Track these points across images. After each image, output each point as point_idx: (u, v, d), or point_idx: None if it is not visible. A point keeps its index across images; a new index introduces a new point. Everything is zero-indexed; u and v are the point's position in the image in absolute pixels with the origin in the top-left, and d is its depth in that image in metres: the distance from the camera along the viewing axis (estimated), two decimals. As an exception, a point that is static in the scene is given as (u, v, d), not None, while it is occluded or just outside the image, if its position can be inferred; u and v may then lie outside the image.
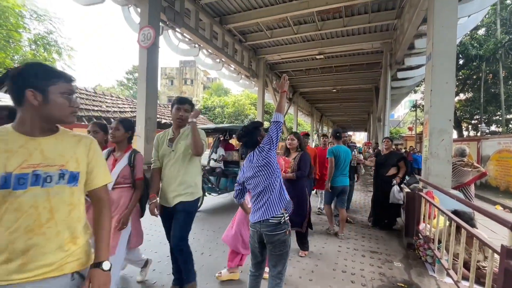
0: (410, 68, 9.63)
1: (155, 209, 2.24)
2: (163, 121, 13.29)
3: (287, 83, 2.05)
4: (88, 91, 12.38)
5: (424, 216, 3.20)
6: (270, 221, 1.80)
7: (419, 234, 3.24)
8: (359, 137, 61.07)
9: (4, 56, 11.41)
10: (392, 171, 4.35)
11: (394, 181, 4.18)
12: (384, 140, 4.65)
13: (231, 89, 44.36)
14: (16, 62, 13.28)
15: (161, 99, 37.75)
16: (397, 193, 4.07)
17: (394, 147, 5.10)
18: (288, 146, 3.47)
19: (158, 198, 2.30)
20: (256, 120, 2.78)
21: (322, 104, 21.50)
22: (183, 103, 2.29)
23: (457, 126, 17.59)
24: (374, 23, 7.93)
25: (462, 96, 18.56)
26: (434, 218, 2.95)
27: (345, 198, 4.05)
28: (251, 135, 1.96)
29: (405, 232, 3.63)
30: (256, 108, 15.28)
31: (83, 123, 9.52)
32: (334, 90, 15.17)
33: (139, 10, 6.15)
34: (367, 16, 7.76)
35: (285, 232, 1.82)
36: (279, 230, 1.80)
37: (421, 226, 3.26)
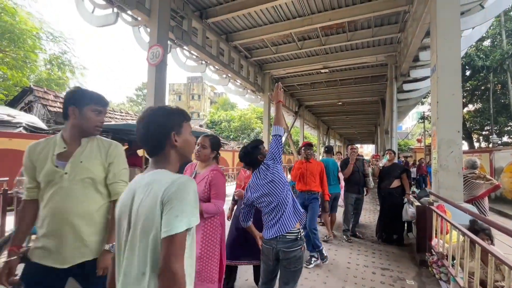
0: (416, 80, 9.62)
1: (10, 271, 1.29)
2: (171, 135, 13.46)
3: (281, 92, 2.08)
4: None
5: (436, 231, 3.09)
6: (287, 237, 1.76)
7: (432, 250, 3.11)
8: (367, 150, 60.37)
9: (21, 75, 11.97)
10: (396, 183, 4.28)
11: (405, 199, 4.09)
12: (387, 151, 4.60)
13: (238, 104, 44.99)
14: (32, 81, 13.89)
15: (169, 114, 38.42)
16: (410, 210, 3.96)
17: (403, 159, 5.04)
18: None
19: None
20: (257, 138, 2.70)
21: (328, 117, 21.49)
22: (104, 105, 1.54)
23: (468, 138, 17.23)
24: (378, 37, 8.04)
25: (471, 107, 18.31)
26: (447, 233, 2.84)
27: (336, 204, 4.79)
28: (251, 155, 1.96)
29: (417, 248, 3.50)
30: (262, 122, 15.39)
31: (93, 138, 9.72)
32: (339, 103, 15.20)
33: (148, 30, 6.42)
34: (370, 30, 7.89)
35: (301, 248, 1.79)
36: (296, 247, 1.76)
37: (434, 241, 3.13)
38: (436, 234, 3.10)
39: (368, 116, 19.45)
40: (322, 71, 11.01)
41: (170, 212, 0.83)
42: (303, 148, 4.08)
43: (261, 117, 25.63)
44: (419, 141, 20.96)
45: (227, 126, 27.66)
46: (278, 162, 1.86)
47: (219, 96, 48.39)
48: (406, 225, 4.44)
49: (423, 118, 18.57)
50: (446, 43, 3.65)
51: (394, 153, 4.60)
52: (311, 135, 27.95)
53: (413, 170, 10.57)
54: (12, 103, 11.17)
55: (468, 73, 15.79)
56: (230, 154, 17.64)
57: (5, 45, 11.14)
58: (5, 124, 7.57)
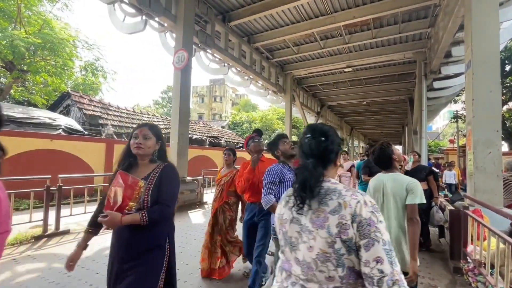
0: (448, 77, 9.07)
1: None
2: (194, 136, 13.88)
3: None
4: (128, 111, 13.46)
5: (472, 237, 2.90)
6: None
7: (467, 258, 2.93)
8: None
9: (59, 81, 12.99)
10: (423, 186, 4.05)
11: (433, 203, 3.86)
12: (411, 153, 4.38)
13: (259, 105, 45.13)
14: (69, 86, 15.00)
15: (192, 116, 39.59)
16: (437, 215, 3.73)
17: (434, 161, 4.77)
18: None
19: None
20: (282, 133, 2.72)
21: (352, 117, 20.89)
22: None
23: (508, 138, 15.89)
24: (405, 33, 7.71)
25: (511, 104, 16.86)
26: (485, 239, 2.66)
27: None
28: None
29: (450, 255, 3.30)
30: (284, 122, 15.32)
31: (123, 139, 10.29)
32: (364, 103, 14.73)
33: (174, 35, 6.70)
34: (397, 26, 7.58)
35: None
36: None
37: (469, 248, 2.94)
38: (472, 240, 2.91)
39: (395, 116, 18.64)
40: (346, 70, 10.75)
41: (412, 193, 1.73)
42: (250, 140, 2.72)
43: (283, 117, 25.50)
44: (451, 141, 19.67)
45: (248, 127, 27.88)
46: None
47: (240, 98, 48.93)
48: (438, 230, 4.19)
49: (456, 117, 17.42)
50: (482, 36, 3.43)
51: (419, 154, 4.37)
52: (334, 135, 27.32)
53: (450, 174, 9.75)
54: (52, 107, 12.16)
55: (508, 68, 14.57)
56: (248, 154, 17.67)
57: (46, 54, 12.16)
58: (46, 126, 8.25)
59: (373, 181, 1.96)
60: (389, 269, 0.74)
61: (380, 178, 1.91)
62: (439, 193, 4.15)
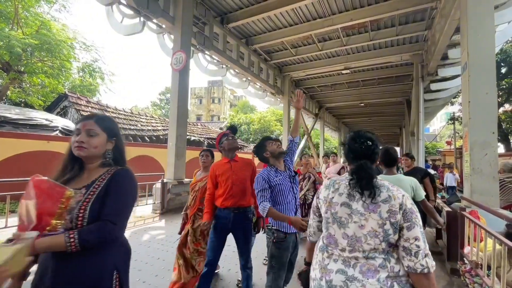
0: (445, 79, 9.13)
1: None
2: (192, 138, 13.86)
3: (302, 99, 2.24)
4: (126, 112, 13.41)
5: (469, 238, 2.91)
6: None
7: (464, 259, 2.93)
8: (391, 153, 57.87)
9: (57, 83, 12.93)
10: None
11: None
12: (402, 157, 4.06)
13: (257, 106, 45.20)
14: (66, 88, 14.94)
15: (190, 118, 39.54)
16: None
17: (431, 162, 4.71)
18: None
19: None
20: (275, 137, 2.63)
21: (350, 119, 20.97)
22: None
23: (504, 139, 16.01)
24: (403, 36, 7.76)
25: (507, 106, 17.01)
26: (481, 240, 2.67)
27: None
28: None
29: (447, 256, 3.31)
30: (282, 124, 15.36)
31: (120, 141, 10.25)
32: (362, 104, 14.80)
33: (172, 37, 6.69)
34: (394, 29, 7.64)
35: None
36: None
37: (466, 249, 2.95)
38: (468, 241, 2.92)
39: (392, 117, 18.73)
40: (343, 72, 10.80)
41: (417, 190, 2.22)
42: (224, 137, 2.46)
43: (281, 119, 25.53)
44: (448, 143, 19.77)
45: (246, 128, 27.88)
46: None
47: (238, 100, 48.97)
48: (435, 231, 4.20)
49: (453, 119, 17.53)
50: (478, 39, 3.46)
51: (411, 157, 4.02)
52: (332, 137, 27.40)
53: (451, 176, 9.38)
54: (49, 109, 12.08)
55: (503, 70, 14.70)
56: (249, 156, 17.74)
57: (44, 55, 12.11)
58: (43, 127, 8.20)
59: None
60: (423, 246, 1.02)
61: (388, 179, 1.95)
62: (437, 195, 4.13)
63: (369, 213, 1.08)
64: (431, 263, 1.01)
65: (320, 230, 1.28)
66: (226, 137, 2.44)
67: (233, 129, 2.56)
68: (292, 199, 2.04)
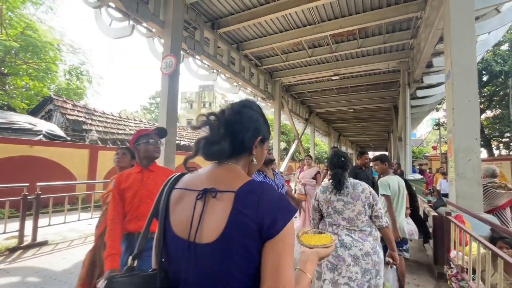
0: (430, 86, 9.43)
1: None
2: (182, 143, 13.70)
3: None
4: (114, 116, 13.14)
5: (455, 242, 2.96)
6: None
7: (451, 263, 2.98)
8: (380, 157, 58.93)
9: (42, 86, 12.56)
10: None
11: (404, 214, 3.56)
12: (373, 163, 3.44)
13: (248, 111, 45.25)
14: (52, 91, 14.54)
15: (181, 122, 39.15)
16: (408, 227, 3.17)
17: (418, 167, 4.75)
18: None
19: None
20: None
21: (339, 124, 21.27)
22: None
23: (487, 145, 16.60)
24: (390, 43, 7.97)
25: (489, 113, 17.71)
26: (467, 244, 2.73)
27: None
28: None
29: (434, 260, 3.36)
30: (273, 129, 15.43)
31: (108, 145, 10.02)
32: (351, 110, 15.05)
33: (162, 41, 6.63)
34: (381, 37, 7.84)
35: None
36: None
37: (452, 253, 3.00)
38: (454, 246, 2.98)
39: (381, 123, 19.13)
40: (333, 78, 10.98)
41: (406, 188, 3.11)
42: (143, 137, 1.81)
43: (271, 124, 25.58)
44: (434, 148, 20.34)
45: (237, 133, 27.82)
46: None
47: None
48: (423, 235, 4.24)
49: (438, 124, 18.09)
50: (461, 48, 3.58)
51: (383, 161, 3.20)
52: (322, 142, 27.69)
53: (445, 182, 8.43)
54: (33, 112, 11.71)
55: (485, 78, 15.34)
56: None
57: (29, 57, 11.76)
58: (26, 132, 7.92)
59: (387, 181, 2.83)
60: (382, 212, 1.89)
61: (392, 179, 2.89)
62: (422, 199, 4.19)
63: (355, 201, 1.87)
64: (386, 220, 1.91)
65: (320, 221, 2.05)
66: (147, 139, 1.78)
67: (161, 132, 1.92)
68: None
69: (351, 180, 1.93)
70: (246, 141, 0.77)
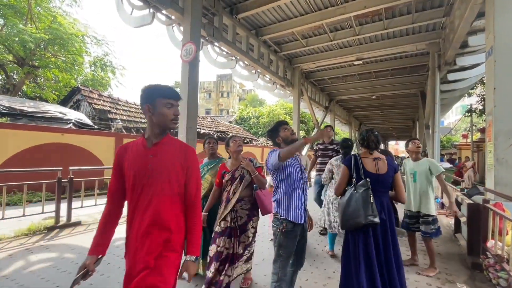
0: (463, 68, 8.75)
1: None
2: (202, 131, 13.91)
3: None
4: (137, 105, 13.55)
5: (492, 231, 2.77)
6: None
7: (488, 253, 2.81)
8: (403, 147, 56.81)
9: (70, 77, 13.16)
10: None
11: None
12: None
13: (266, 100, 44.94)
14: (79, 82, 15.20)
15: (200, 112, 39.70)
16: None
17: (446, 156, 4.51)
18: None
19: None
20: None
21: (361, 112, 20.54)
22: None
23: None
24: (419, 23, 7.43)
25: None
26: (507, 234, 2.54)
27: None
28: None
29: (468, 250, 3.18)
30: (291, 117, 15.20)
31: (132, 133, 10.39)
32: (373, 97, 14.42)
33: (181, 28, 6.63)
34: (410, 16, 7.32)
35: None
36: None
37: (490, 243, 2.82)
38: (492, 235, 2.79)
39: (405, 110, 18.21)
40: (355, 63, 10.52)
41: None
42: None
43: (290, 112, 25.29)
44: (464, 136, 19.12)
45: (255, 122, 27.79)
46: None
47: (247, 93, 48.80)
48: (454, 225, 4.04)
49: (470, 111, 16.89)
50: (505, 21, 3.24)
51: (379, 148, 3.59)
52: (342, 131, 26.99)
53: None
54: (63, 102, 12.35)
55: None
56: (259, 150, 17.76)
57: (56, 50, 12.31)
58: (57, 120, 8.38)
59: (405, 165, 3.26)
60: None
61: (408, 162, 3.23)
62: (456, 187, 3.97)
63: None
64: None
65: (330, 180, 3.41)
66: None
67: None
68: (300, 186, 2.03)
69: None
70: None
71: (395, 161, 2.23)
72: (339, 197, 2.15)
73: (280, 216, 1.94)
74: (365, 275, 1.85)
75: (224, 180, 2.39)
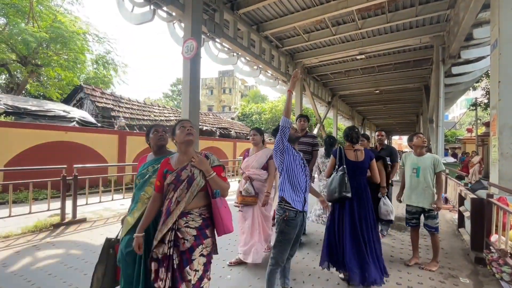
0: (468, 61, 8.63)
1: None
2: (204, 128, 13.92)
3: (297, 80, 2.29)
4: (139, 103, 13.58)
5: (496, 226, 2.76)
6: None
7: (491, 247, 2.80)
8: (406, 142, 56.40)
9: (72, 75, 13.20)
10: (368, 173, 3.47)
11: (380, 193, 3.32)
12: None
13: (268, 96, 44.73)
14: (81, 80, 15.26)
15: (202, 108, 39.71)
16: (383, 207, 3.17)
17: (451, 151, 4.44)
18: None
19: None
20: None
21: (364, 107, 20.40)
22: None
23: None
24: (422, 16, 7.32)
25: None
26: (511, 228, 2.53)
27: None
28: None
29: (471, 245, 3.17)
30: (294, 113, 15.14)
31: (135, 131, 10.43)
32: (377, 91, 14.30)
33: (182, 25, 6.60)
34: (413, 9, 7.21)
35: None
36: None
37: (493, 237, 2.81)
38: (496, 229, 2.78)
39: (409, 104, 18.06)
40: (358, 57, 10.41)
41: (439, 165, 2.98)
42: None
43: (293, 108, 25.13)
44: (469, 131, 18.89)
45: (258, 118, 27.73)
46: (277, 154, 2.10)
47: (249, 89, 48.64)
48: (457, 219, 4.02)
49: (475, 104, 16.66)
50: (511, 13, 3.17)
51: (367, 138, 3.68)
52: (345, 126, 26.84)
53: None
54: (66, 100, 12.42)
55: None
56: (229, 145, 17.60)
57: (59, 48, 12.34)
58: (61, 119, 8.44)
59: (406, 158, 3.19)
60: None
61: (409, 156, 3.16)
62: (460, 182, 3.93)
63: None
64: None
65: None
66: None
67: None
68: (304, 179, 2.10)
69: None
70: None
71: (398, 156, 2.56)
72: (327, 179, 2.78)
73: (284, 204, 2.04)
74: (337, 235, 2.51)
75: (165, 183, 1.63)
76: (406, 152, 7.71)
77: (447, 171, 6.38)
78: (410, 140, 3.18)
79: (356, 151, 2.66)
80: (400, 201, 3.27)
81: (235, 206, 3.07)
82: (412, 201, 3.01)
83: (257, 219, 3.01)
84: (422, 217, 3.01)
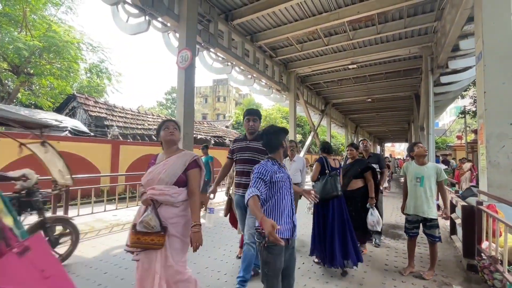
0: (456, 71, 8.90)
1: None
2: (199, 136, 13.90)
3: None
4: (133, 112, 13.52)
5: (486, 233, 2.81)
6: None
7: (482, 254, 2.84)
8: (399, 148, 57.17)
9: (65, 84, 13.10)
10: (358, 183, 3.64)
11: (368, 204, 3.49)
12: (347, 148, 3.92)
13: (262, 104, 44.99)
14: (74, 89, 15.14)
15: (196, 117, 39.68)
16: (370, 218, 3.36)
17: (441, 158, 4.56)
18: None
19: None
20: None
21: (357, 115, 20.70)
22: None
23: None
24: (411, 28, 7.58)
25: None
26: (500, 235, 2.58)
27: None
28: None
29: (464, 252, 3.21)
30: (288, 121, 15.25)
31: (128, 140, 10.34)
32: (369, 100, 14.58)
33: (177, 35, 6.68)
34: (402, 21, 7.46)
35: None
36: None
37: (484, 244, 2.86)
38: (486, 236, 2.83)
39: (401, 112, 18.42)
40: (350, 67, 10.64)
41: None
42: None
43: (287, 116, 25.39)
44: (459, 138, 19.33)
45: (252, 126, 27.78)
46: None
47: (244, 97, 48.94)
48: (449, 227, 4.08)
49: (463, 112, 17.13)
50: (494, 26, 3.32)
51: (356, 148, 3.87)
52: (338, 134, 27.14)
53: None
54: (59, 109, 12.28)
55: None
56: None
57: (52, 57, 12.27)
58: (54, 128, 8.32)
59: (407, 168, 3.22)
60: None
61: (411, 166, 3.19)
62: (451, 189, 4.01)
63: None
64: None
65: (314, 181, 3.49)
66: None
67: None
68: (289, 201, 1.88)
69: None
70: None
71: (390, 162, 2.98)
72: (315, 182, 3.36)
73: (262, 229, 1.64)
74: (317, 230, 3.18)
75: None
76: (399, 158, 7.83)
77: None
78: (410, 150, 3.21)
79: (334, 159, 3.43)
80: (405, 214, 3.15)
81: (126, 251, 1.87)
82: (416, 211, 2.96)
83: (164, 275, 1.76)
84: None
